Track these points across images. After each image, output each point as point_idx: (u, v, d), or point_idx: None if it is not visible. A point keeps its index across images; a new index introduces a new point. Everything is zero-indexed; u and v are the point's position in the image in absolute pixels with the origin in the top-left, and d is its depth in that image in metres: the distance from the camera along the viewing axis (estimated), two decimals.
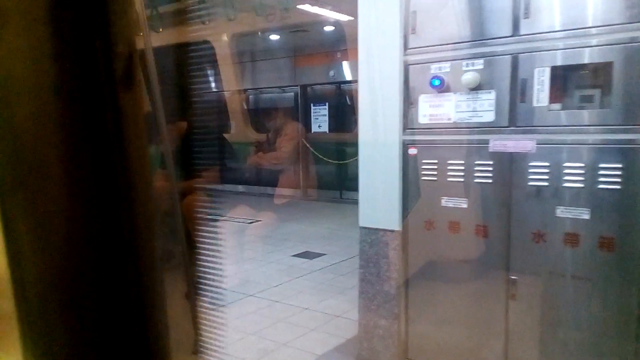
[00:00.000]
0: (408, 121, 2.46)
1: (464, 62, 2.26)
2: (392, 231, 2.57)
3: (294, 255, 5.29)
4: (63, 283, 0.43)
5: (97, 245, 0.43)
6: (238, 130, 9.83)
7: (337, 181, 9.11)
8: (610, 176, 1.94)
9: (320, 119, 9.58)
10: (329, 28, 8.66)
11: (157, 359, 0.47)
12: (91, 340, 0.44)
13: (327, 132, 9.44)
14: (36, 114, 0.40)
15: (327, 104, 9.52)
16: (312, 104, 9.72)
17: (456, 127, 2.33)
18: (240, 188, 10.05)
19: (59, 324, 0.43)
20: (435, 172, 2.41)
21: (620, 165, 1.92)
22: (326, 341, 3.06)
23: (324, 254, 5.24)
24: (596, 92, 2.00)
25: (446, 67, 2.31)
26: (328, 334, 3.17)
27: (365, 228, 2.68)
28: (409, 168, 2.49)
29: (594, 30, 1.94)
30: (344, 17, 7.60)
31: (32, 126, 0.41)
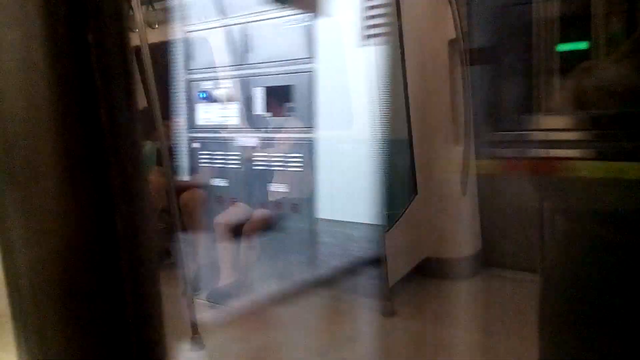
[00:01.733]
0: (191, 123, 3.34)
1: (220, 81, 3.15)
2: None
3: None
4: (57, 281, 0.42)
5: (91, 242, 0.42)
6: None
7: None
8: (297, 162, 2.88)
9: None
10: None
11: (154, 356, 0.47)
12: (86, 338, 0.43)
13: None
14: (29, 110, 0.39)
15: None
16: None
17: (218, 128, 3.22)
18: None
19: (53, 322, 0.42)
20: (209, 160, 3.30)
21: (301, 155, 2.86)
22: None
23: None
24: (292, 105, 2.94)
25: (210, 84, 3.20)
26: None
27: None
28: (193, 157, 3.37)
29: (285, 63, 2.87)
30: None
31: (25, 122, 0.40)
